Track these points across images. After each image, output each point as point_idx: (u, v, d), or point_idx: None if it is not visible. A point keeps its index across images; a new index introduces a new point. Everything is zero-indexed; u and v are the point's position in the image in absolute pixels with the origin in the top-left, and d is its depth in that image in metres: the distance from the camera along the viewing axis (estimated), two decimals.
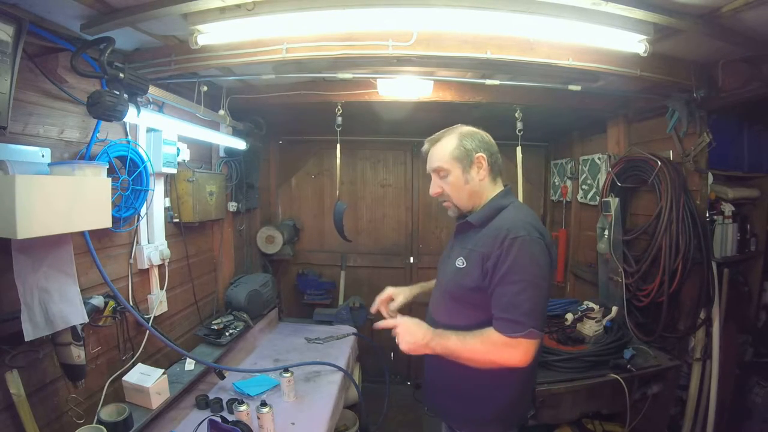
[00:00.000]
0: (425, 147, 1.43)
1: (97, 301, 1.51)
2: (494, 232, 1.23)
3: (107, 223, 1.35)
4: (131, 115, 1.47)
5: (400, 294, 1.55)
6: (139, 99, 1.51)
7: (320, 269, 3.63)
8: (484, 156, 1.33)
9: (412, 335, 1.27)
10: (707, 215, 2.00)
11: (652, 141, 2.26)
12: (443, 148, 1.37)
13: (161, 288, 1.96)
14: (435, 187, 1.39)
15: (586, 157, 2.86)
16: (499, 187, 1.38)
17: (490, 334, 1.19)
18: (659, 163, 2.00)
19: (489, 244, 1.22)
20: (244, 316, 2.45)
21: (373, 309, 1.56)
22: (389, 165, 3.70)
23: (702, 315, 1.98)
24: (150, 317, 1.84)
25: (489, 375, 1.26)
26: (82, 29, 1.35)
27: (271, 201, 3.64)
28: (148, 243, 1.88)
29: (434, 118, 2.87)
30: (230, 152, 2.65)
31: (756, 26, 1.36)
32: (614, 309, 2.06)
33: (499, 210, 1.31)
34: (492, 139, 1.39)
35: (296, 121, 3.20)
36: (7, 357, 1.20)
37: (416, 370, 3.48)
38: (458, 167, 1.34)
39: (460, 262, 1.31)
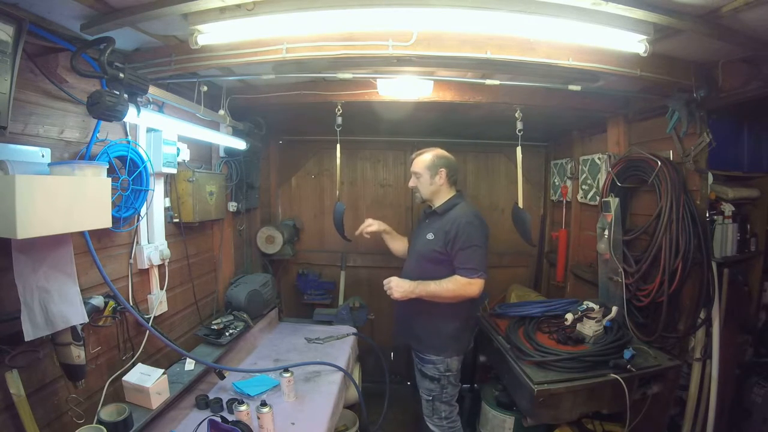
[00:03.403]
0: (413, 156, 2.19)
1: (97, 301, 1.51)
2: (453, 219, 2.01)
3: (107, 223, 1.35)
4: (131, 115, 1.47)
5: (376, 224, 2.35)
6: (139, 99, 1.51)
7: (320, 269, 3.63)
8: (445, 171, 2.09)
9: (402, 286, 2.00)
10: (707, 215, 2.00)
11: (652, 141, 2.26)
12: (422, 160, 2.12)
13: (161, 288, 1.96)
14: (411, 182, 2.17)
15: (586, 157, 2.86)
16: (453, 191, 2.14)
17: (458, 278, 1.96)
18: (659, 163, 2.00)
19: (449, 225, 1.99)
20: (244, 316, 2.45)
21: (357, 232, 2.36)
22: (389, 165, 3.70)
23: (702, 315, 1.98)
24: (150, 317, 1.84)
25: (441, 313, 2.03)
26: (82, 29, 1.35)
27: (271, 201, 3.63)
28: (148, 243, 1.88)
29: (434, 118, 2.89)
30: (230, 152, 2.65)
31: (756, 26, 1.36)
32: (614, 309, 2.06)
33: (454, 205, 2.08)
34: (455, 163, 2.16)
35: (296, 121, 3.20)
36: (7, 357, 1.20)
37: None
38: (428, 173, 2.10)
39: (430, 236, 2.07)
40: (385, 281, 2.04)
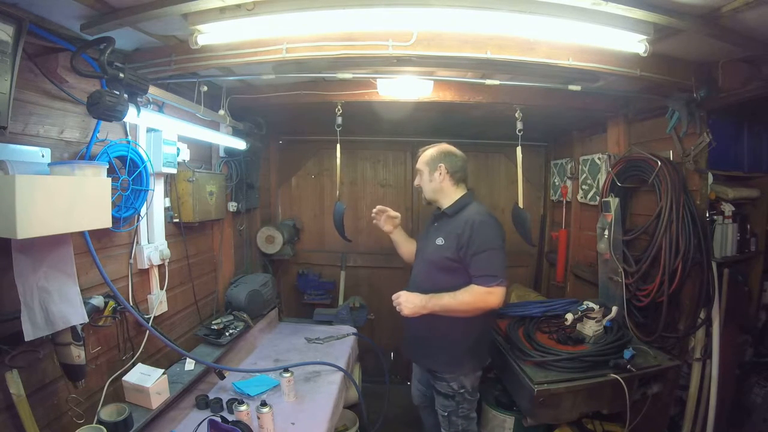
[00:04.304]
0: (419, 153, 2.03)
1: (97, 301, 1.51)
2: (465, 220, 1.81)
3: (107, 223, 1.35)
4: (131, 115, 1.46)
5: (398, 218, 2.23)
6: (139, 99, 1.50)
7: (320, 269, 3.63)
8: (444, 166, 1.91)
9: (412, 302, 1.79)
10: (707, 215, 2.00)
11: (652, 141, 2.26)
12: (423, 156, 1.98)
13: (161, 288, 1.96)
14: (416, 181, 2.03)
15: (586, 157, 2.86)
16: (462, 191, 1.95)
17: (475, 288, 1.74)
18: (659, 163, 2.00)
19: (461, 227, 1.79)
20: (244, 316, 2.45)
21: (381, 218, 2.20)
22: (389, 165, 3.70)
23: (702, 315, 1.99)
24: (150, 317, 1.84)
25: (456, 328, 1.82)
26: (82, 29, 1.35)
27: (271, 201, 3.63)
28: (148, 243, 1.88)
29: (434, 118, 2.89)
30: (230, 152, 2.65)
31: (756, 26, 1.36)
32: (614, 309, 2.06)
33: (464, 206, 1.89)
34: (462, 159, 1.95)
35: (296, 121, 3.20)
36: (7, 357, 1.20)
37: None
38: (427, 170, 1.95)
39: (440, 241, 1.87)
40: (394, 297, 1.84)
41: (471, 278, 1.77)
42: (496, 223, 1.82)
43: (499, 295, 1.72)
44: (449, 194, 1.93)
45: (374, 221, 2.24)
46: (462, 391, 1.91)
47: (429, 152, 1.97)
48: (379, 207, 2.21)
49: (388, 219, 2.21)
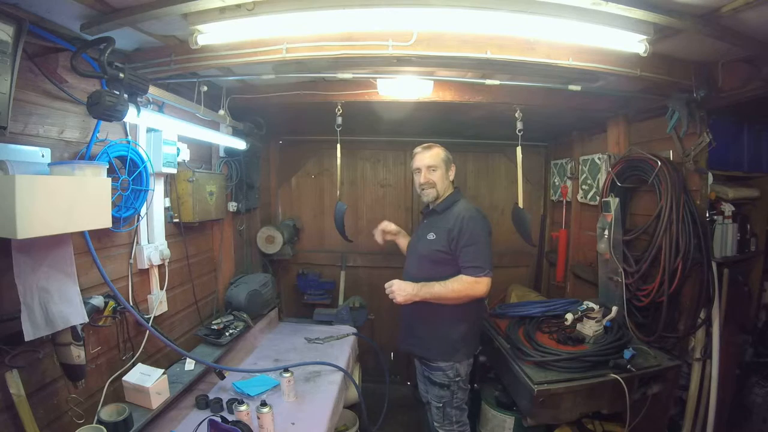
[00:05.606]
0: (418, 150, 2.10)
1: (97, 301, 1.51)
2: (455, 216, 1.95)
3: (107, 223, 1.35)
4: (131, 115, 1.47)
5: (394, 226, 2.37)
6: (139, 99, 1.51)
7: (320, 269, 3.63)
8: (454, 166, 2.11)
9: (404, 290, 1.90)
10: (707, 215, 2.00)
11: (652, 141, 2.26)
12: (437, 153, 2.07)
13: (161, 288, 1.96)
14: (424, 178, 2.06)
15: (586, 157, 2.86)
16: (452, 188, 2.11)
17: (464, 277, 1.88)
18: (659, 163, 2.00)
19: (452, 223, 1.93)
20: (244, 316, 2.45)
21: (377, 234, 2.35)
22: (389, 165, 3.70)
23: (702, 315, 1.98)
24: (150, 317, 1.84)
25: (451, 316, 1.94)
26: (82, 29, 1.35)
27: (271, 201, 3.64)
28: (148, 243, 1.88)
29: (434, 118, 2.89)
30: (230, 152, 2.65)
31: (756, 26, 1.36)
32: (614, 309, 2.06)
33: (454, 202, 2.03)
34: None
35: (296, 121, 3.20)
36: (7, 357, 1.19)
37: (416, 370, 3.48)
38: (444, 167, 2.06)
39: (431, 236, 2.00)
40: (387, 285, 1.95)
41: (460, 269, 1.90)
42: (482, 218, 1.97)
43: (486, 284, 1.88)
44: (447, 190, 2.09)
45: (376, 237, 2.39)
46: (457, 379, 1.99)
47: (440, 150, 2.08)
48: (377, 230, 2.37)
49: (383, 233, 2.37)
